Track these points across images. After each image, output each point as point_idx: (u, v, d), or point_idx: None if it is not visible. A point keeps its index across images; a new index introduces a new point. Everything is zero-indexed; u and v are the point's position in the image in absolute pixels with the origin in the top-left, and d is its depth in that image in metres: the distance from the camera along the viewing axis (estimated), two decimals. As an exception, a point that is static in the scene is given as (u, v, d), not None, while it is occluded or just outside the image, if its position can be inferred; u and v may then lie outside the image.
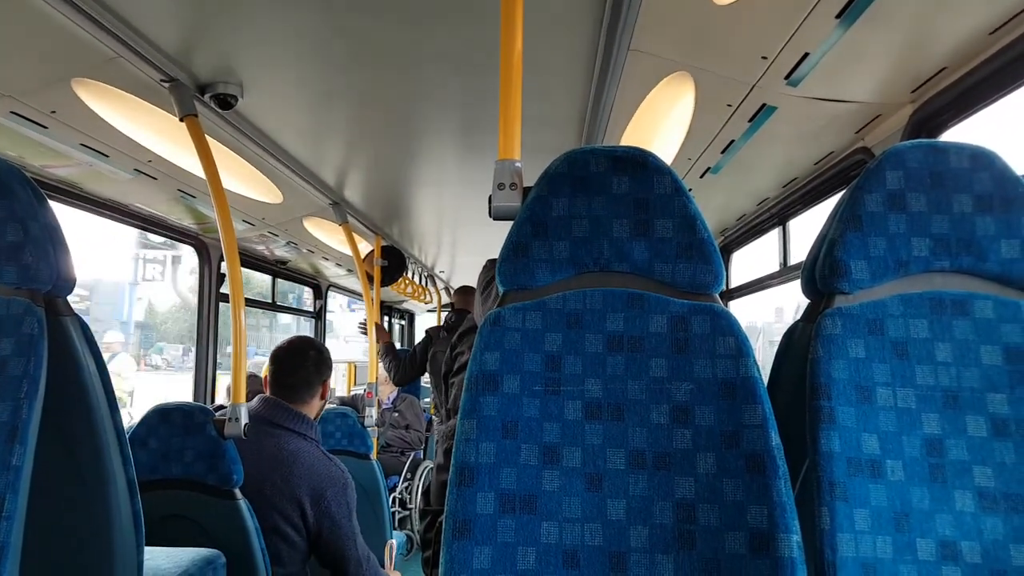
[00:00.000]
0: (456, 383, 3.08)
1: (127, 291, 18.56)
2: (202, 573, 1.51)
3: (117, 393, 1.19)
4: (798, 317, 1.15)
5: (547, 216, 0.98)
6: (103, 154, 2.06)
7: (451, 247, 4.66)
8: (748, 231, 2.74)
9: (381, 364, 4.22)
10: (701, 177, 2.22)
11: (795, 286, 2.43)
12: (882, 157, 1.04)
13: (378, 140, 2.31)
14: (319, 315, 4.93)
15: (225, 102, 1.82)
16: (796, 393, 1.03)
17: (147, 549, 1.31)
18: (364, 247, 3.93)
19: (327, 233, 3.64)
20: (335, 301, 5.01)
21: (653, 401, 0.92)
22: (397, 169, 2.69)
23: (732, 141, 1.85)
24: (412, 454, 4.96)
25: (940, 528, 0.92)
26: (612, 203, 0.98)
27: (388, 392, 5.12)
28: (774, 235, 2.48)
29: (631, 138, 2.09)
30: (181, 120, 1.76)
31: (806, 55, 1.33)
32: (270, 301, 4.29)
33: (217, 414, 1.81)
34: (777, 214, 2.40)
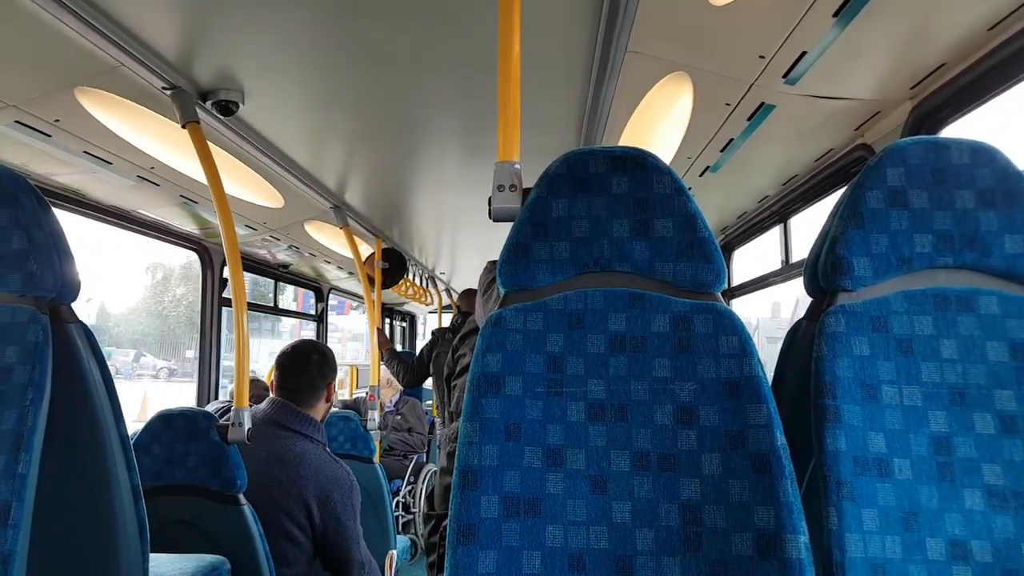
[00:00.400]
0: (458, 385, 3.08)
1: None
2: None
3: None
4: (796, 313, 1.15)
5: (547, 217, 0.98)
6: (106, 161, 2.07)
7: (451, 249, 4.66)
8: (749, 229, 2.73)
9: (386, 368, 4.23)
10: (700, 176, 2.22)
11: (792, 283, 2.44)
12: (883, 154, 1.04)
13: (378, 143, 2.31)
14: (321, 318, 4.94)
15: (226, 108, 1.83)
16: (801, 392, 1.03)
17: (152, 556, 1.31)
18: (365, 250, 3.93)
19: (328, 236, 3.65)
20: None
21: (657, 402, 0.92)
22: (397, 172, 2.70)
23: (731, 140, 1.85)
24: (415, 457, 4.96)
25: (950, 527, 0.92)
26: (612, 203, 0.98)
27: (390, 395, 5.12)
28: (775, 233, 2.48)
29: (630, 138, 2.09)
30: (183, 127, 1.77)
31: (804, 53, 1.33)
32: (272, 305, 4.30)
33: (222, 419, 1.81)
34: (778, 212, 2.40)
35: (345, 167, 2.59)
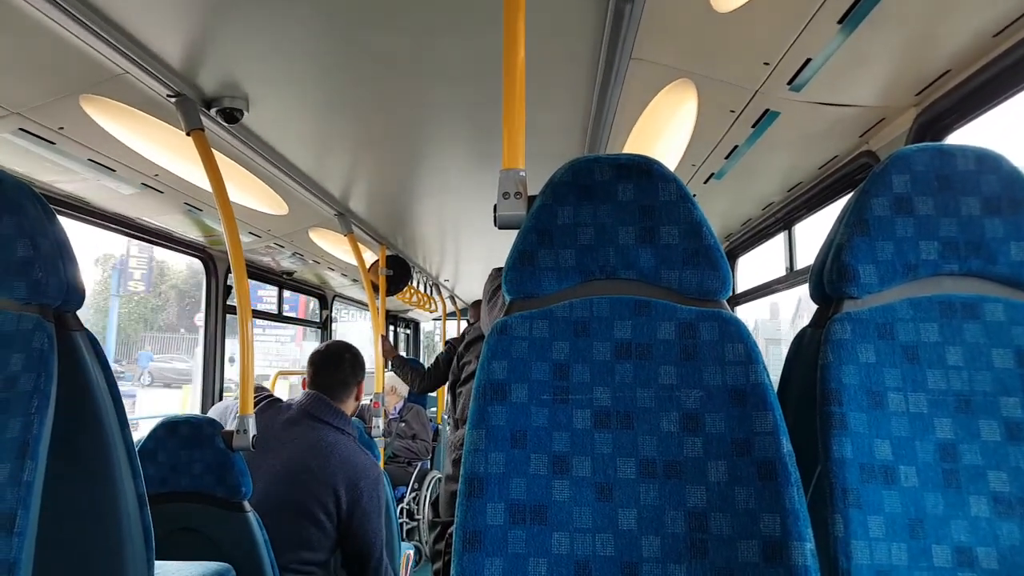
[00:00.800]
0: (463, 392, 3.08)
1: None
2: None
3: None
4: (797, 313, 1.15)
5: (552, 224, 0.98)
6: (110, 169, 2.08)
7: (456, 256, 4.67)
8: (753, 236, 2.73)
9: (392, 376, 4.23)
10: (705, 183, 2.22)
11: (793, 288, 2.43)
12: (888, 161, 1.03)
13: (383, 151, 2.32)
14: (325, 325, 4.94)
15: (231, 116, 1.83)
16: (807, 399, 1.02)
17: (157, 563, 1.31)
18: (369, 257, 3.94)
19: (332, 244, 3.66)
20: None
21: (663, 409, 0.91)
22: (402, 179, 2.70)
23: (736, 147, 1.85)
24: (419, 464, 4.95)
25: (955, 534, 0.91)
26: (617, 210, 0.98)
27: (394, 402, 5.11)
28: (779, 240, 2.48)
29: (634, 145, 2.09)
30: (188, 134, 1.78)
31: (808, 60, 1.33)
32: (276, 312, 4.30)
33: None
34: (782, 219, 2.40)
35: (350, 174, 2.60)
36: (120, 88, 1.62)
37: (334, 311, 5.06)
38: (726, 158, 1.95)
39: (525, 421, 0.91)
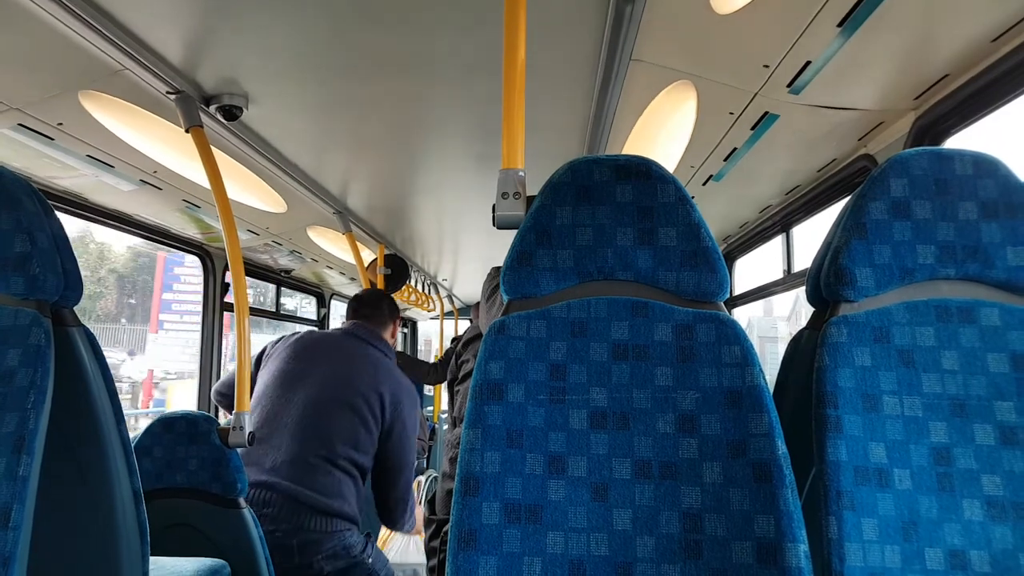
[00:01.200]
0: (461, 391, 3.08)
1: None
2: None
3: None
4: (796, 310, 1.15)
5: (551, 225, 0.99)
6: (109, 165, 2.08)
7: (454, 255, 4.67)
8: (751, 238, 2.74)
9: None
10: (704, 185, 2.22)
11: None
12: (886, 165, 1.04)
13: (382, 149, 2.32)
14: (322, 324, 4.94)
15: (230, 113, 1.83)
16: (802, 401, 1.03)
17: (152, 559, 1.31)
18: (367, 255, 3.94)
19: (331, 242, 3.66)
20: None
21: (659, 410, 0.92)
22: (401, 178, 2.70)
23: (735, 149, 1.85)
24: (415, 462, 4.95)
25: (949, 537, 0.92)
26: (616, 212, 0.98)
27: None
28: (777, 242, 2.48)
29: (633, 146, 2.09)
30: (187, 131, 1.77)
31: (808, 63, 1.33)
32: (274, 310, 4.30)
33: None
34: (780, 222, 2.40)
35: (348, 173, 2.60)
36: (119, 84, 1.62)
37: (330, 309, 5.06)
38: (725, 160, 1.96)
39: (521, 421, 0.91)
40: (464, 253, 4.58)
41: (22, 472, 0.95)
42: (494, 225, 1.08)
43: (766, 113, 1.58)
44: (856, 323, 1.00)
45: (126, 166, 2.12)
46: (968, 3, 1.11)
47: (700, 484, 0.88)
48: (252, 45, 1.54)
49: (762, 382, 0.91)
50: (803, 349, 1.11)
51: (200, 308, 3.40)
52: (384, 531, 3.21)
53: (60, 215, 1.19)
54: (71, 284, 1.13)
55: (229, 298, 3.36)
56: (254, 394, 2.12)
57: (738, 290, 2.94)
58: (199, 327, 3.38)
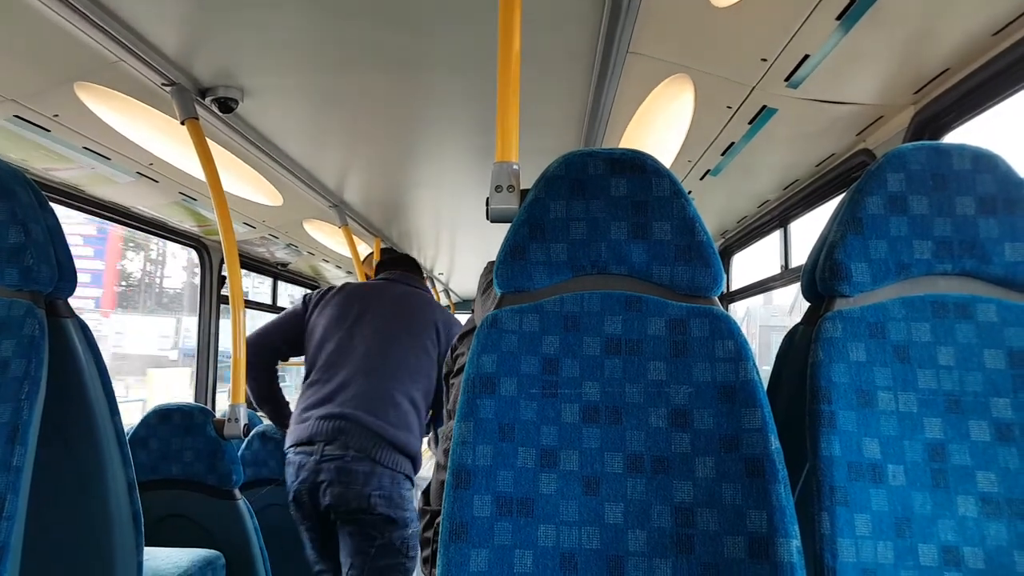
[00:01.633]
0: (455, 384, 3.08)
1: None
2: (202, 574, 1.51)
3: None
4: (795, 301, 1.15)
5: (545, 218, 0.98)
6: (105, 157, 2.07)
7: (450, 249, 4.66)
8: (749, 233, 2.73)
9: None
10: (701, 179, 2.22)
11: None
12: (883, 159, 1.03)
13: (377, 143, 2.31)
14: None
15: (226, 106, 1.83)
16: (796, 396, 1.03)
17: (147, 549, 1.31)
18: (364, 249, 3.93)
19: (327, 235, 3.65)
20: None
21: (651, 404, 0.91)
22: (396, 171, 2.70)
23: (732, 143, 1.85)
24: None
25: (942, 533, 0.92)
26: (610, 206, 0.98)
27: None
28: (775, 237, 2.48)
29: (630, 140, 2.09)
30: (182, 123, 1.77)
31: (806, 57, 1.32)
32: (270, 303, 4.30)
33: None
34: (778, 216, 2.40)
35: (344, 166, 2.59)
36: (115, 76, 1.61)
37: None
38: (722, 154, 1.95)
39: (513, 414, 0.91)
40: (461, 247, 4.58)
41: (16, 462, 0.95)
42: (487, 218, 1.07)
43: (764, 107, 1.57)
44: (851, 318, 1.00)
45: (122, 158, 2.11)
46: (967, -3, 1.11)
47: (692, 479, 0.88)
48: (247, 37, 1.54)
49: (755, 377, 0.91)
50: (798, 344, 1.10)
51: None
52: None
53: (56, 207, 1.19)
54: (65, 275, 1.13)
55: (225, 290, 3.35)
56: (314, 340, 2.21)
57: (736, 285, 2.94)
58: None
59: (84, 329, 1.16)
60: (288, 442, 2.02)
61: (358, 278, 3.44)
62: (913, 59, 1.31)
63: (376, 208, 3.32)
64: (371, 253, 3.85)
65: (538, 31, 1.48)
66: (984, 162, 1.01)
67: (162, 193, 2.49)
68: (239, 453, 2.37)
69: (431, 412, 2.38)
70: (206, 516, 1.73)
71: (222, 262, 3.33)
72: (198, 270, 3.34)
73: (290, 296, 5.06)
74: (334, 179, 2.76)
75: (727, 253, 2.98)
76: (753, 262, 2.93)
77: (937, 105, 1.41)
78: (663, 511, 0.87)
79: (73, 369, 1.11)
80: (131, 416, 2.66)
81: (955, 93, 1.35)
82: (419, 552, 2.09)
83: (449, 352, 3.25)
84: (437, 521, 3.00)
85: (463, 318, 2.57)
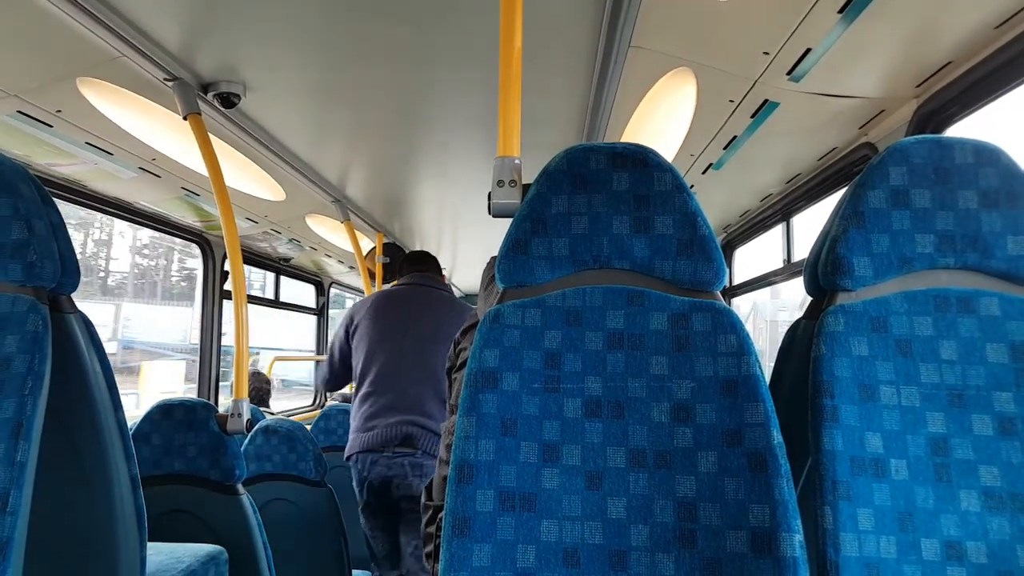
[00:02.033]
0: (458, 378, 3.08)
1: None
2: (205, 569, 1.52)
3: None
4: (800, 296, 1.14)
5: (546, 213, 0.98)
6: (108, 152, 2.07)
7: (452, 244, 4.66)
8: (751, 227, 2.73)
9: None
10: (703, 173, 2.21)
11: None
12: (885, 153, 1.03)
13: (380, 138, 2.31)
14: (321, 312, 4.94)
15: (228, 101, 1.83)
16: (799, 391, 1.03)
17: (150, 545, 1.32)
18: (366, 244, 3.94)
19: (329, 230, 3.65)
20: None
21: (654, 399, 0.91)
22: (399, 167, 2.70)
23: (734, 137, 1.84)
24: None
25: (945, 528, 0.91)
26: (612, 200, 0.97)
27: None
28: (777, 231, 2.48)
29: (632, 134, 2.08)
30: (185, 118, 1.77)
31: (808, 50, 1.32)
32: (273, 298, 4.30)
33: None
34: (781, 210, 2.39)
35: (347, 161, 2.59)
36: (117, 71, 1.61)
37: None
38: (725, 148, 1.94)
39: (516, 409, 0.91)
40: (463, 242, 4.57)
41: (20, 458, 0.95)
42: (489, 213, 1.07)
43: (766, 101, 1.57)
44: (853, 312, 1.00)
45: (125, 153, 2.11)
46: (971, -11, 1.10)
47: (695, 473, 0.88)
48: (249, 32, 1.54)
49: (758, 371, 0.91)
50: (800, 338, 1.10)
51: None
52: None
53: (59, 202, 1.19)
54: (68, 271, 1.13)
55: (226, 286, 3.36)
56: (363, 355, 2.50)
57: (739, 279, 2.94)
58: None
59: (87, 324, 1.16)
60: (355, 448, 2.38)
61: (360, 273, 3.44)
62: (915, 52, 1.31)
63: (378, 203, 3.32)
64: (373, 248, 3.85)
65: (540, 26, 1.47)
66: (986, 156, 1.01)
67: (164, 188, 2.49)
68: (242, 448, 2.39)
69: None
70: (209, 511, 1.74)
71: (224, 257, 3.33)
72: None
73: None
74: (336, 174, 2.76)
75: (729, 247, 2.97)
76: (756, 256, 2.93)
77: (939, 99, 1.40)
78: (665, 506, 0.87)
79: (76, 364, 1.12)
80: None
81: (958, 87, 1.34)
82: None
83: (452, 346, 3.27)
84: (440, 516, 3.02)
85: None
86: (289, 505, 2.40)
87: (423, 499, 2.13)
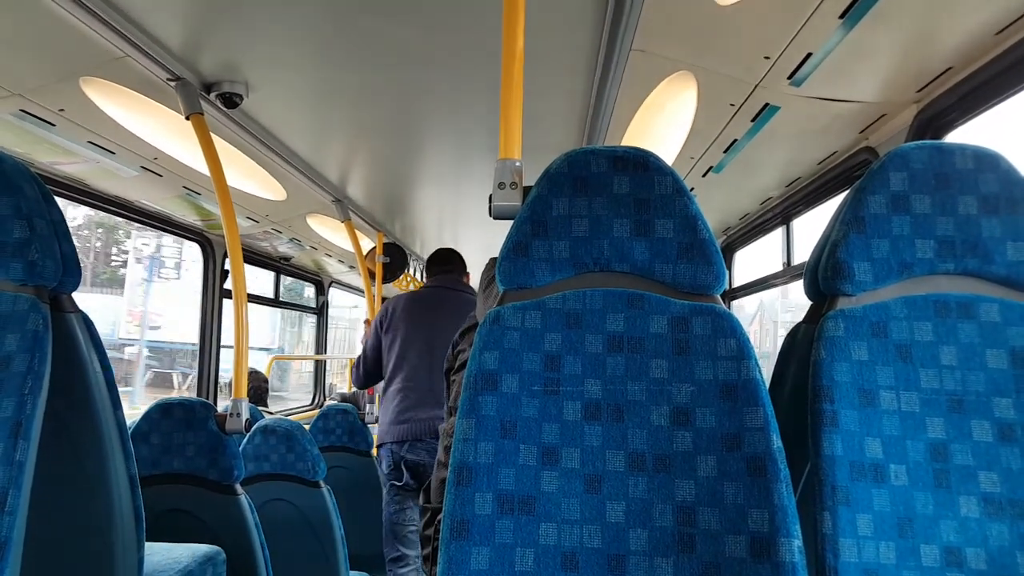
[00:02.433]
0: (457, 380, 3.08)
1: None
2: (202, 570, 1.52)
3: None
4: (804, 298, 1.14)
5: (547, 216, 0.98)
6: (110, 151, 2.07)
7: (453, 245, 4.64)
8: (751, 230, 2.73)
9: None
10: (704, 176, 2.22)
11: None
12: (886, 158, 1.03)
13: (381, 138, 2.31)
14: (321, 311, 4.94)
15: (230, 101, 1.83)
16: (798, 395, 1.03)
17: (148, 545, 1.32)
18: (366, 244, 3.94)
19: (330, 230, 3.66)
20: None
21: (653, 403, 0.91)
22: (399, 167, 2.70)
23: (735, 141, 1.85)
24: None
25: (944, 534, 0.91)
26: (613, 203, 0.97)
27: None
28: (777, 235, 2.48)
29: (633, 138, 2.08)
30: (187, 118, 1.77)
31: (809, 55, 1.32)
32: (273, 297, 4.30)
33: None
34: (780, 214, 2.39)
35: (348, 161, 2.59)
36: (120, 71, 1.61)
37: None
38: (725, 152, 1.95)
39: (515, 412, 0.91)
40: (463, 243, 4.57)
41: (19, 457, 0.95)
42: (490, 215, 1.07)
43: (767, 104, 1.57)
44: (853, 317, 1.00)
45: (127, 152, 2.11)
46: (972, -5, 1.10)
47: (694, 477, 0.88)
48: (252, 33, 1.54)
49: (757, 375, 0.91)
50: (800, 342, 1.10)
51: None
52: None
53: (60, 201, 1.19)
54: (69, 270, 1.13)
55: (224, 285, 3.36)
56: (395, 353, 2.74)
57: (738, 282, 2.94)
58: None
59: (88, 324, 1.16)
60: (390, 438, 2.64)
61: (360, 273, 3.44)
62: (916, 57, 1.31)
63: (379, 203, 3.33)
64: (373, 248, 3.85)
65: (541, 28, 1.48)
66: (986, 161, 1.01)
67: (166, 187, 2.50)
68: (240, 448, 2.39)
69: None
70: (207, 511, 1.74)
71: (225, 256, 3.33)
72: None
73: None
74: (337, 174, 2.76)
75: (729, 250, 2.97)
76: (756, 258, 2.93)
77: (940, 104, 1.41)
78: (664, 510, 0.87)
79: (76, 364, 1.12)
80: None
81: (958, 92, 1.35)
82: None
83: (451, 348, 3.27)
84: (438, 519, 3.02)
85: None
86: (287, 505, 2.40)
87: (421, 501, 2.14)
